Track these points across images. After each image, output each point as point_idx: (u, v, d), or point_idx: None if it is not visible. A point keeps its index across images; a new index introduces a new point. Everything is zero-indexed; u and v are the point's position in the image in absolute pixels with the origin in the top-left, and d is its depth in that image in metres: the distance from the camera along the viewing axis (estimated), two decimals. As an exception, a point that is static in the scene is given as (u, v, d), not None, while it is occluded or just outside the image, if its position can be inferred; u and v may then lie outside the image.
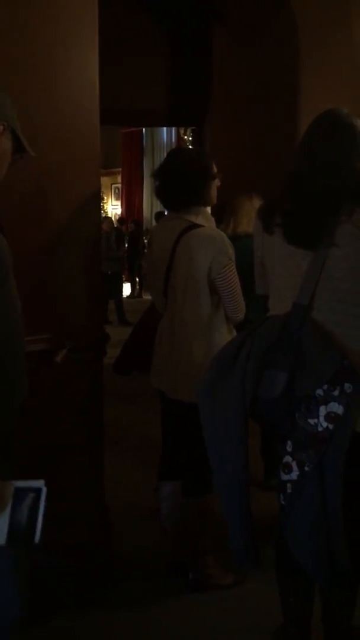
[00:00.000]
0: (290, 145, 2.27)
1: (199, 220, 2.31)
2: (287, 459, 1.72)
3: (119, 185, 15.74)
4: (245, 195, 3.28)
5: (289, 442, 1.72)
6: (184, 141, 9.53)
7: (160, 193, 2.41)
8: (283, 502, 1.76)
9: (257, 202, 3.12)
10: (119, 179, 15.62)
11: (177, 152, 2.59)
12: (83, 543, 2.41)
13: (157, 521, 2.58)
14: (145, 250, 2.60)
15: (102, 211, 15.17)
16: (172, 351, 2.35)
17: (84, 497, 2.41)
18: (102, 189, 15.65)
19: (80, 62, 2.30)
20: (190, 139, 8.08)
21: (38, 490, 1.36)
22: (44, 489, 1.36)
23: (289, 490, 1.73)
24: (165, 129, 13.15)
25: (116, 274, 9.42)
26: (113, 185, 16.15)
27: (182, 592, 2.45)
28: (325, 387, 1.64)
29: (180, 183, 2.29)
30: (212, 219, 2.42)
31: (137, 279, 12.85)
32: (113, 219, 15.68)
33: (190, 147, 6.69)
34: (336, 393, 1.64)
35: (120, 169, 15.37)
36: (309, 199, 1.74)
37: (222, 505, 1.84)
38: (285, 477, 1.73)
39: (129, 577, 2.55)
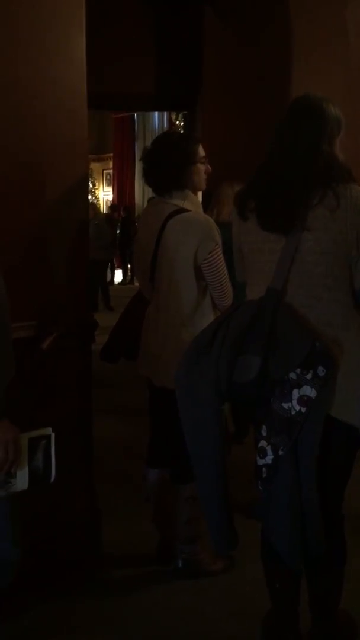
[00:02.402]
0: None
1: (185, 204, 2.28)
2: (262, 443, 1.74)
3: (111, 171, 15.63)
4: (227, 182, 3.26)
5: (264, 427, 1.73)
6: (176, 126, 9.45)
7: (146, 178, 2.40)
8: (260, 488, 1.78)
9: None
10: (111, 164, 15.52)
11: (162, 136, 2.58)
12: (72, 529, 2.40)
13: (147, 508, 2.58)
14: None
15: (93, 197, 15.12)
16: (158, 338, 2.33)
17: (72, 483, 2.40)
18: (94, 175, 15.57)
19: (66, 43, 2.26)
20: (182, 124, 8.00)
21: (48, 437, 1.54)
22: (53, 434, 1.54)
23: (264, 475, 1.74)
24: (157, 114, 13.05)
25: (102, 261, 9.34)
26: (105, 171, 16.04)
27: (172, 578, 2.45)
28: (298, 370, 1.65)
29: (161, 167, 2.28)
30: (200, 204, 2.40)
31: (129, 266, 12.82)
32: (103, 205, 15.65)
33: (182, 132, 6.63)
34: (309, 376, 1.65)
35: (111, 155, 15.26)
36: (281, 184, 1.75)
37: (199, 490, 1.87)
38: (260, 461, 1.75)
39: (119, 563, 2.55)
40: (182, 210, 2.26)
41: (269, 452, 1.72)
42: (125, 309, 2.67)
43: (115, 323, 2.65)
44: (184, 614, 2.27)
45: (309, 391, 1.65)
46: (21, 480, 1.53)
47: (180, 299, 2.27)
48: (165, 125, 12.61)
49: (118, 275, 13.26)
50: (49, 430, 1.56)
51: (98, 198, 15.82)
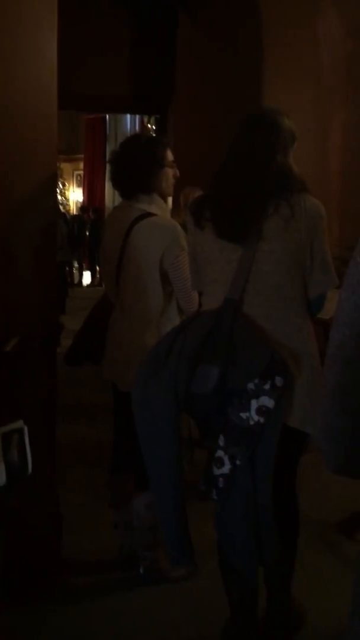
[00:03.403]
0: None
1: (152, 209, 2.27)
2: (220, 453, 1.73)
3: (81, 172, 15.54)
4: (188, 187, 3.31)
5: (222, 437, 1.73)
6: (148, 129, 9.44)
7: (114, 180, 2.38)
8: (215, 497, 1.77)
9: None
10: (82, 165, 15.42)
11: (130, 138, 2.55)
12: (33, 535, 2.36)
13: (108, 515, 2.55)
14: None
15: (63, 197, 15.00)
16: (123, 342, 2.31)
17: (33, 488, 2.36)
18: (64, 176, 15.46)
19: (37, 44, 2.23)
20: (154, 127, 8.00)
21: (20, 430, 1.50)
22: (25, 427, 1.51)
23: (220, 485, 1.74)
24: (129, 116, 13.02)
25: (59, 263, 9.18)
26: (75, 172, 15.95)
27: (133, 585, 2.43)
28: (256, 381, 1.66)
29: (128, 170, 2.26)
30: (167, 209, 2.39)
31: (98, 268, 12.75)
32: (73, 206, 15.54)
33: (152, 135, 6.63)
34: (267, 387, 1.65)
35: (82, 156, 15.17)
36: (236, 194, 1.77)
37: (155, 501, 1.87)
38: (217, 471, 1.74)
39: (80, 570, 2.52)
40: (149, 214, 2.24)
41: (226, 462, 1.72)
42: (90, 312, 2.65)
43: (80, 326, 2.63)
44: (144, 621, 2.25)
45: (267, 401, 1.66)
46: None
47: (146, 304, 2.26)
48: (137, 127, 12.58)
49: (87, 277, 13.17)
50: (20, 424, 1.53)
51: (68, 199, 15.71)
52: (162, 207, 2.32)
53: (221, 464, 1.73)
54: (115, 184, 2.36)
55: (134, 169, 2.23)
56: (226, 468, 1.71)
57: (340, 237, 2.88)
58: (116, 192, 2.48)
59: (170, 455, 1.77)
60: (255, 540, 1.75)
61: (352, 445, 0.85)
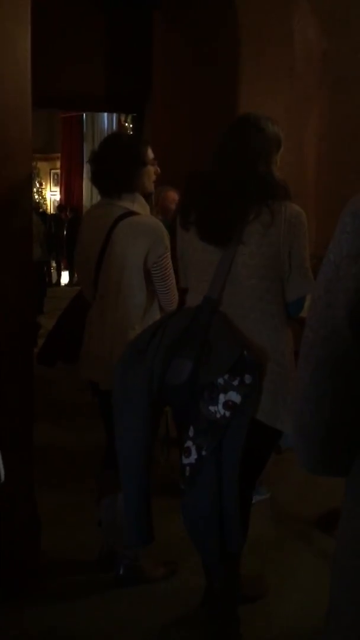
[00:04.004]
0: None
1: (135, 207, 2.27)
2: (188, 443, 1.83)
3: (58, 171, 15.43)
4: (160, 186, 3.34)
5: (191, 428, 1.82)
6: (125, 128, 9.41)
7: (94, 179, 2.36)
8: (182, 487, 1.86)
9: (171, 195, 3.32)
10: (59, 164, 15.32)
11: (111, 137, 2.55)
12: (9, 536, 2.34)
13: (87, 516, 2.54)
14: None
15: (40, 197, 14.87)
16: (104, 342, 2.29)
17: (11, 490, 2.34)
18: (41, 175, 15.34)
19: (10, 43, 2.20)
20: (131, 125, 7.98)
21: None
22: None
23: (187, 474, 1.83)
24: (105, 115, 12.97)
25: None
26: (52, 171, 15.83)
27: (112, 586, 2.42)
28: (226, 376, 1.74)
29: (111, 168, 2.25)
30: (147, 207, 2.38)
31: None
32: (50, 205, 15.43)
33: (131, 133, 6.61)
34: (236, 383, 1.73)
35: (59, 155, 15.07)
36: (220, 199, 1.84)
37: (121, 481, 1.94)
38: (185, 460, 1.83)
39: (59, 571, 2.50)
40: (132, 213, 2.24)
41: (193, 452, 1.81)
42: (63, 311, 2.63)
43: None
44: (123, 622, 2.24)
45: (235, 397, 1.74)
46: None
47: (129, 302, 2.25)
48: (114, 126, 12.54)
49: (65, 277, 13.09)
50: None
51: (45, 198, 15.59)
52: (144, 206, 2.32)
53: (189, 453, 1.81)
54: (97, 183, 2.34)
55: (117, 168, 2.23)
56: (192, 458, 1.80)
57: (317, 236, 2.90)
58: (94, 191, 2.47)
59: (140, 439, 1.86)
60: (218, 529, 1.83)
61: (327, 444, 0.85)
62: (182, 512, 1.90)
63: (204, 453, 1.78)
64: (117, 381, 1.88)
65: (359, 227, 0.76)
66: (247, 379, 1.73)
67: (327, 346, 0.79)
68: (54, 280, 12.51)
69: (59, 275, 13.01)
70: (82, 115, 13.66)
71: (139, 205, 2.29)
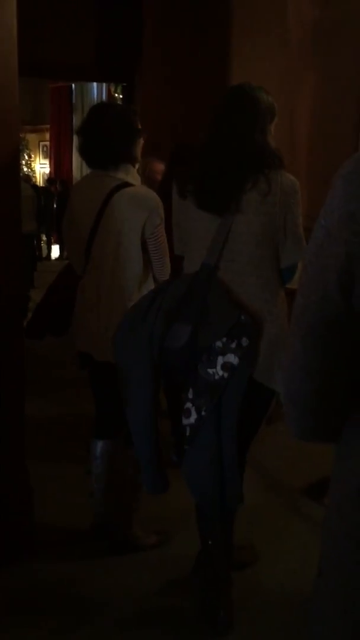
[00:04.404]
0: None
1: (129, 178, 2.28)
2: (188, 405, 1.90)
3: (47, 143, 15.19)
4: (145, 157, 3.33)
5: (191, 390, 1.89)
6: (115, 99, 9.26)
7: (85, 150, 2.33)
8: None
9: (157, 166, 3.36)
10: (48, 136, 15.07)
11: (102, 107, 2.49)
12: (2, 506, 2.35)
13: (78, 487, 2.56)
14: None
15: (29, 169, 14.67)
16: (100, 312, 2.29)
17: (3, 461, 2.35)
18: (30, 147, 15.10)
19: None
20: (121, 96, 7.86)
21: None
22: None
23: (187, 433, 1.91)
24: (95, 85, 12.74)
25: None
26: (41, 143, 15.58)
27: (107, 554, 2.45)
28: (224, 339, 1.81)
29: (108, 140, 2.23)
30: (139, 178, 2.37)
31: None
32: (40, 177, 15.22)
33: (120, 103, 6.50)
34: (233, 346, 1.81)
35: (48, 126, 14.82)
36: (217, 169, 1.88)
37: (134, 439, 2.02)
38: (185, 421, 1.91)
39: (50, 542, 2.53)
40: (127, 184, 2.25)
41: (193, 412, 1.89)
42: (51, 284, 2.61)
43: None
44: (117, 589, 2.27)
45: (232, 359, 1.81)
46: None
47: (129, 272, 2.27)
48: (104, 96, 12.33)
49: (55, 250, 12.98)
50: None
51: (34, 170, 15.37)
52: (136, 177, 2.33)
53: (189, 414, 1.90)
54: (88, 154, 2.32)
55: (112, 139, 2.23)
56: (192, 418, 1.90)
57: (309, 207, 2.88)
58: (84, 164, 2.43)
59: (148, 401, 1.95)
60: (218, 484, 1.92)
61: (317, 410, 0.85)
62: (182, 470, 1.99)
63: (203, 413, 1.86)
64: (119, 349, 1.97)
65: (349, 191, 0.74)
66: (244, 341, 1.80)
67: (318, 312, 0.79)
68: (44, 254, 12.40)
69: (49, 249, 12.90)
70: (71, 85, 13.42)
71: (132, 177, 2.30)
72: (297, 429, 0.90)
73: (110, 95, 10.83)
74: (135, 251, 2.26)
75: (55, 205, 12.09)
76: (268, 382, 1.91)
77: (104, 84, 11.72)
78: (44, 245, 12.48)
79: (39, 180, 15.03)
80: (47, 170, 15.30)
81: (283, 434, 0.91)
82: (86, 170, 2.50)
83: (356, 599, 0.81)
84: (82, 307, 2.36)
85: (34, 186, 10.92)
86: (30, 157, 15.12)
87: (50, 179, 13.95)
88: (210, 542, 2.06)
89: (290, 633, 1.99)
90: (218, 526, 2.05)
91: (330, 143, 4.00)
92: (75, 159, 13.90)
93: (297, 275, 1.90)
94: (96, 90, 12.99)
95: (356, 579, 0.81)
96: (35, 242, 9.64)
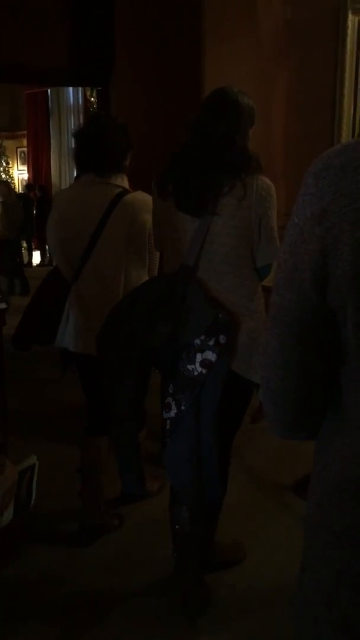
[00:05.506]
0: (194, 108, 2.25)
1: (125, 185, 2.38)
2: (169, 399, 1.97)
3: (25, 149, 15.10)
4: None
5: (171, 385, 1.96)
6: (91, 103, 9.25)
7: (83, 156, 2.39)
8: (167, 440, 2.01)
9: None
10: (25, 142, 14.98)
11: (104, 118, 2.64)
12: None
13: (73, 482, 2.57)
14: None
15: (8, 176, 14.57)
16: (100, 315, 2.26)
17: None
18: (7, 154, 15.00)
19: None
20: (96, 100, 7.85)
21: (33, 467, 1.52)
22: (37, 463, 1.52)
23: (167, 427, 1.98)
24: (71, 90, 12.69)
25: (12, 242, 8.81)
26: (19, 149, 15.47)
27: (95, 553, 2.47)
28: (202, 337, 1.87)
29: (107, 149, 2.32)
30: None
31: (47, 247, 12.47)
32: (19, 184, 15.11)
33: (95, 106, 6.50)
34: (211, 343, 1.86)
35: (25, 132, 14.73)
36: (196, 171, 1.92)
37: (114, 440, 2.10)
38: (165, 415, 1.98)
39: (40, 541, 2.53)
40: (127, 191, 2.36)
41: (173, 407, 1.95)
42: (36, 291, 2.60)
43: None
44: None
45: (210, 355, 1.86)
46: (7, 514, 1.48)
47: (136, 273, 2.35)
48: (80, 101, 12.30)
49: (36, 257, 12.90)
50: (34, 459, 1.55)
51: (13, 177, 15.26)
52: (127, 185, 2.42)
53: (169, 408, 1.97)
54: (86, 160, 2.37)
55: (114, 150, 2.34)
56: (172, 412, 1.95)
57: (286, 207, 2.91)
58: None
59: (131, 401, 2.01)
60: (199, 475, 1.97)
61: (295, 407, 0.86)
62: (164, 463, 2.05)
63: (183, 407, 1.93)
64: (101, 346, 2.03)
65: (320, 188, 0.75)
66: (222, 339, 1.86)
67: (293, 309, 0.79)
68: (25, 260, 12.32)
69: (31, 256, 12.82)
70: (47, 90, 13.36)
71: (126, 185, 2.40)
72: (277, 428, 0.90)
73: (86, 99, 10.81)
74: (143, 253, 2.37)
75: (34, 212, 12.02)
76: (246, 373, 1.95)
77: (80, 88, 11.70)
78: (25, 251, 12.40)
79: (17, 187, 14.93)
80: (25, 176, 15.21)
81: (269, 431, 0.92)
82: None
83: (339, 593, 0.82)
84: (77, 308, 2.38)
85: (21, 195, 10.86)
86: (8, 163, 15.02)
87: (29, 185, 13.86)
88: (177, 527, 2.12)
89: (281, 628, 2.00)
90: (186, 513, 2.09)
91: (305, 143, 4.04)
92: (54, 164, 13.84)
93: (273, 273, 1.93)
94: (72, 95, 12.95)
95: (338, 573, 0.82)
96: (16, 248, 9.54)
